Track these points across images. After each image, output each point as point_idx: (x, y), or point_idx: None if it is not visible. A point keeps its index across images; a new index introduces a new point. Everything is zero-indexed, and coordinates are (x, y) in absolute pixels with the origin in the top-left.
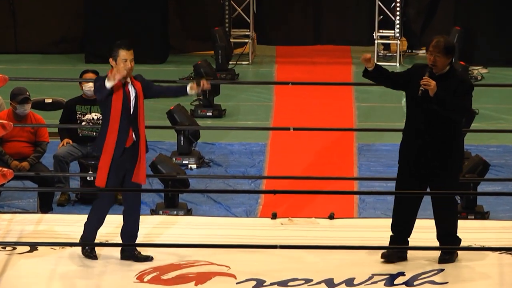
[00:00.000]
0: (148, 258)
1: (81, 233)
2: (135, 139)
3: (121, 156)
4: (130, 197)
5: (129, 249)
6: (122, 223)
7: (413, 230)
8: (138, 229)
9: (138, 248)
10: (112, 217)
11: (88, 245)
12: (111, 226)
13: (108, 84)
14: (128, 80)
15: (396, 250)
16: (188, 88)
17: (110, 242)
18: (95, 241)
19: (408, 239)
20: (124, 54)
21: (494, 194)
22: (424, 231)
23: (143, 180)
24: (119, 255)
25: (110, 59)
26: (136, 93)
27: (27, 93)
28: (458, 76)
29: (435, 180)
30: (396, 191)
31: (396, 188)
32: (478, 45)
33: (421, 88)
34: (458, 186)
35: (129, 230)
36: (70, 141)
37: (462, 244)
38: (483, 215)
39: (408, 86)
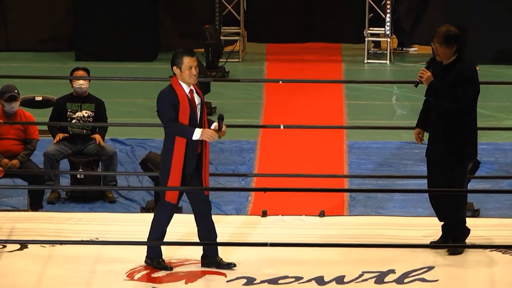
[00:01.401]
0: (231, 265)
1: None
2: (201, 148)
3: (193, 169)
4: (201, 203)
5: (211, 255)
6: (110, 220)
7: (407, 228)
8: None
9: (220, 254)
10: (100, 215)
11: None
12: (102, 224)
13: (195, 137)
14: (192, 87)
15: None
16: (212, 127)
17: (99, 240)
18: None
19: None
20: (188, 61)
21: (484, 192)
22: (417, 229)
23: (207, 192)
24: (108, 253)
25: (174, 67)
26: (200, 100)
27: (16, 91)
28: (460, 67)
29: (439, 170)
30: (385, 189)
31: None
32: (470, 43)
33: (417, 79)
34: (461, 178)
35: (211, 233)
36: (64, 135)
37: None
38: (473, 213)
39: None
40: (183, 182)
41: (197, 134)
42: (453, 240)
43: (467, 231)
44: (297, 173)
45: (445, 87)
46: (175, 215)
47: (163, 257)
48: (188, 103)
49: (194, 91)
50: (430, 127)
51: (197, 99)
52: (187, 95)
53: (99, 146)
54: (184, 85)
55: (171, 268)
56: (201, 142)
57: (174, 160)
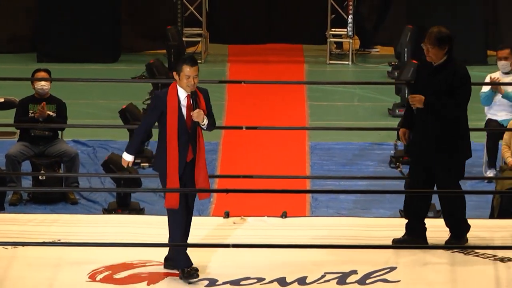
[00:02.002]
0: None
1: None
2: (193, 155)
3: (184, 173)
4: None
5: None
6: (72, 222)
7: (369, 228)
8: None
9: None
10: (62, 216)
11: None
12: (64, 225)
13: (124, 155)
14: (191, 94)
15: (412, 236)
16: None
17: (62, 241)
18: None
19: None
20: (188, 71)
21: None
22: (379, 229)
23: (204, 196)
24: (71, 254)
25: (174, 73)
26: (197, 107)
27: None
28: (453, 68)
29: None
30: (347, 190)
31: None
32: None
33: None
34: (458, 178)
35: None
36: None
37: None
38: (436, 213)
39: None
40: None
41: (126, 156)
42: (456, 238)
43: (468, 227)
44: (259, 174)
45: (440, 101)
46: (137, 216)
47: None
48: (177, 108)
49: (193, 98)
50: (420, 128)
51: (194, 106)
52: (179, 100)
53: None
54: (181, 91)
55: (197, 276)
56: (193, 150)
57: (168, 166)
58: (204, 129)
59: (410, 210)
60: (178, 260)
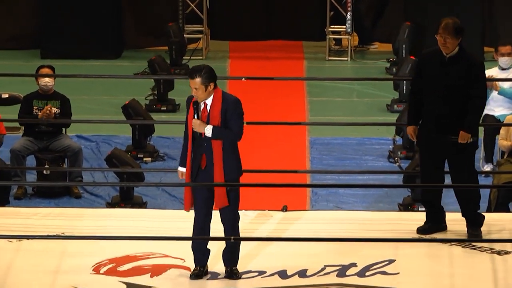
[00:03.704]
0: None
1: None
2: (207, 163)
3: (196, 179)
4: (226, 214)
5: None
6: (76, 215)
7: (368, 222)
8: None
9: None
10: (66, 210)
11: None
12: (68, 219)
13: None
14: (207, 102)
15: (433, 224)
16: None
17: (66, 234)
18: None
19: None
20: (189, 83)
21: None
22: (378, 223)
23: (221, 204)
24: (75, 247)
25: None
26: (213, 115)
27: None
28: (468, 58)
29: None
30: (346, 184)
31: (420, 164)
32: (430, 41)
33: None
34: (473, 162)
35: (232, 244)
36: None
37: (413, 236)
38: None
39: (422, 75)
40: (198, 194)
41: (178, 168)
42: (474, 228)
43: (483, 218)
44: (260, 169)
45: (473, 113)
46: (140, 210)
47: (196, 266)
48: (192, 113)
49: (210, 105)
50: (432, 120)
51: (211, 113)
52: (195, 106)
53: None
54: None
55: (197, 277)
56: (207, 158)
57: (186, 170)
58: (212, 138)
59: (427, 199)
60: (194, 256)
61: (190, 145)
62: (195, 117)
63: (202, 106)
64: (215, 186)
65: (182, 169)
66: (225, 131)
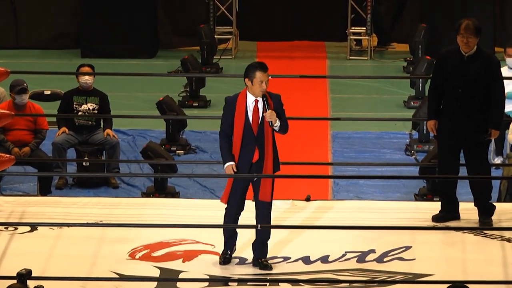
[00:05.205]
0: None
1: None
2: (259, 157)
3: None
4: (263, 211)
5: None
6: (113, 204)
7: (386, 211)
8: (269, 237)
9: None
10: (104, 199)
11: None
12: (105, 208)
13: (225, 166)
14: (259, 98)
15: (448, 213)
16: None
17: (103, 222)
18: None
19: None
20: (260, 76)
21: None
22: (396, 211)
23: (268, 198)
24: (112, 234)
25: (246, 79)
26: (269, 109)
27: (25, 84)
28: (486, 56)
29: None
30: (366, 176)
31: (438, 157)
32: (444, 41)
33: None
34: (487, 155)
35: (263, 237)
36: (67, 130)
37: (429, 224)
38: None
39: (443, 73)
40: (240, 186)
41: (226, 165)
42: (485, 217)
43: (494, 207)
44: (285, 161)
45: (495, 110)
46: (173, 199)
47: (226, 250)
48: (244, 113)
49: (262, 101)
50: (451, 114)
51: (261, 109)
52: (247, 105)
53: (106, 136)
54: (249, 96)
55: (226, 262)
56: (259, 152)
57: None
58: (276, 131)
59: (444, 190)
60: (224, 242)
61: (240, 143)
62: (267, 109)
63: (254, 104)
64: (250, 178)
65: (231, 163)
66: (284, 124)
